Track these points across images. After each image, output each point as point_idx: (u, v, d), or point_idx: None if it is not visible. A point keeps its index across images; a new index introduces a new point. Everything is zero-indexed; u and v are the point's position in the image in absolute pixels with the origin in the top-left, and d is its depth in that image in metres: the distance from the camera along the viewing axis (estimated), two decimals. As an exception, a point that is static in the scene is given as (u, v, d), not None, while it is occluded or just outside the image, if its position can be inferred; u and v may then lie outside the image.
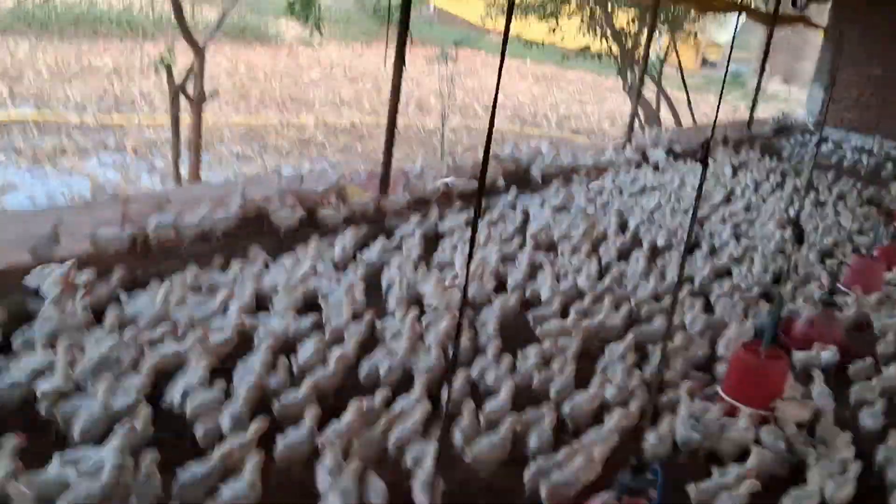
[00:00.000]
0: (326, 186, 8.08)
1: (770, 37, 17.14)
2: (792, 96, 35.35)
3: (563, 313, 6.42)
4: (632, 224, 9.20)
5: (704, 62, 41.28)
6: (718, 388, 5.58)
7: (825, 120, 19.69)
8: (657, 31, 17.61)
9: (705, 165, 3.49)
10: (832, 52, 19.78)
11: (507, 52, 3.10)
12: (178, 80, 10.14)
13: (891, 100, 18.87)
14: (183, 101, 9.95)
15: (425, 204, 8.72)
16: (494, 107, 3.00)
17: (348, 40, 32.03)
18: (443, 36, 31.94)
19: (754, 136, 16.54)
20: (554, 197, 9.68)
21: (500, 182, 9.85)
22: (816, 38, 27.45)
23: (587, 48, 18.93)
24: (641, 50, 17.05)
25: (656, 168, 12.29)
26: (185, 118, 10.55)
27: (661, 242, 8.71)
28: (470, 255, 3.28)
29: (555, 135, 21.24)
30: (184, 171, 10.59)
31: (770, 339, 5.39)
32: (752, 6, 18.53)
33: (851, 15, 19.00)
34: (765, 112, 26.57)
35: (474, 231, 3.27)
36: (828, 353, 6.15)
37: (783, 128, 18.19)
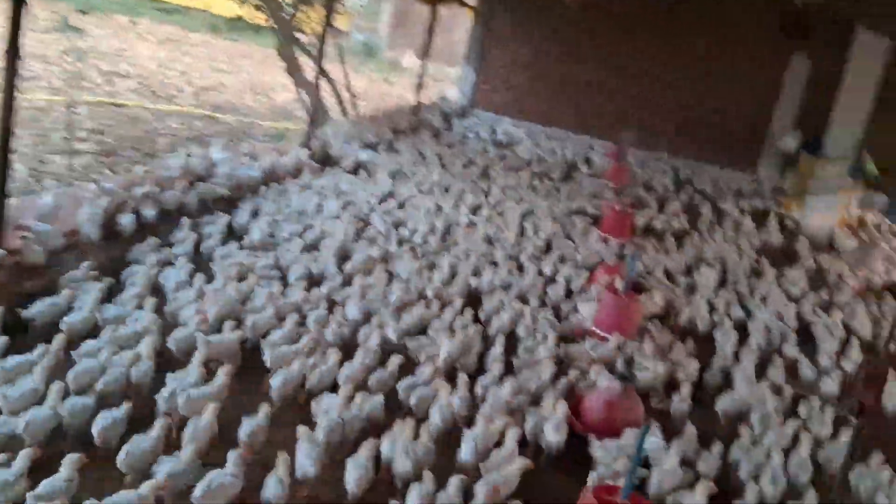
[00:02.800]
0: None
1: (434, 18, 16.30)
2: (430, 73, 35.61)
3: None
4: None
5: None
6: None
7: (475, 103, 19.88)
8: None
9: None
10: (481, 33, 19.63)
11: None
12: None
13: (539, 83, 19.21)
14: None
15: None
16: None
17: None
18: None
19: (422, 121, 15.62)
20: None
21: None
22: (452, 14, 27.68)
23: (240, 18, 16.46)
24: (307, 26, 15.22)
25: (354, 172, 10.66)
26: None
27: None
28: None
29: (195, 112, 18.48)
30: None
31: (631, 486, 4.02)
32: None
33: (500, -5, 19.00)
34: (406, 88, 26.30)
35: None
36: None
37: (444, 112, 17.55)
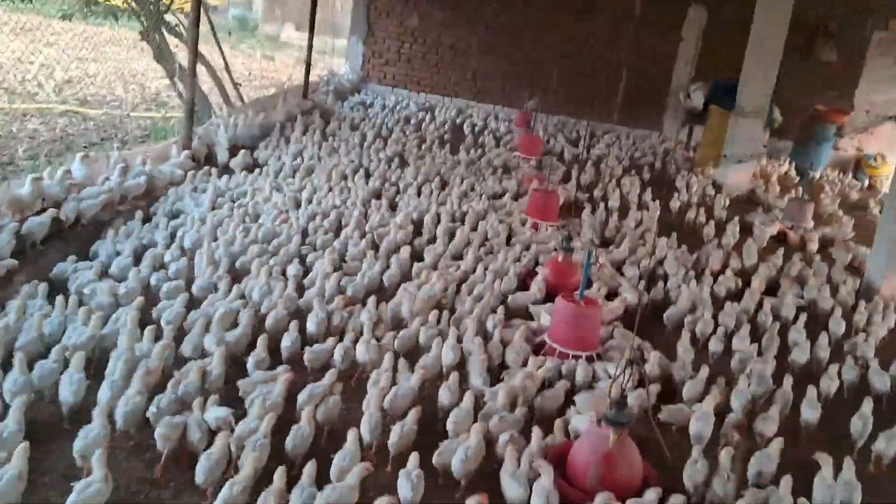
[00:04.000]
0: None
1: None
2: (315, 47, 33.82)
3: None
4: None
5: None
6: None
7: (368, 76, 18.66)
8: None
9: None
10: (365, 1, 18.39)
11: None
12: None
13: (432, 53, 18.18)
14: None
15: None
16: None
17: None
18: None
19: (316, 105, 14.34)
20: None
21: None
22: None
23: (96, 1, 14.66)
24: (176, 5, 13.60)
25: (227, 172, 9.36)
26: None
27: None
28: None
29: (58, 108, 16.61)
30: None
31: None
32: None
33: (383, -40, 17.82)
34: (289, 64, 24.77)
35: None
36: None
37: (336, 89, 16.29)
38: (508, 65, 17.71)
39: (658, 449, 4.61)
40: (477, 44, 17.75)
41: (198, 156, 9.48)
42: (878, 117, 16.38)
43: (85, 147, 11.81)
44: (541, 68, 17.31)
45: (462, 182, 10.22)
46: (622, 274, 7.78)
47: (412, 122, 14.67)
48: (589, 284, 6.51)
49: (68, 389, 4.25)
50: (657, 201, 10.72)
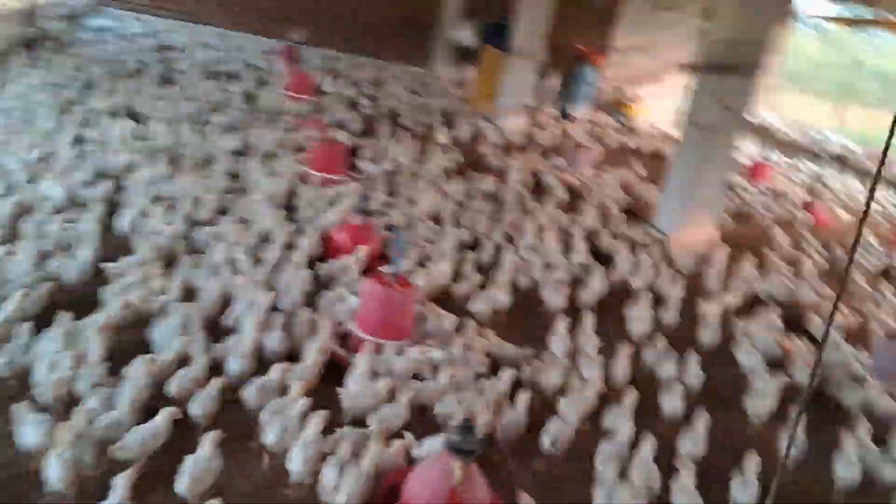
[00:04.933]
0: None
1: None
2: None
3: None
4: None
5: None
6: None
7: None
8: None
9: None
10: None
11: None
12: None
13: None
14: None
15: None
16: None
17: None
18: None
19: (45, 32, 12.13)
20: None
21: None
22: None
23: None
24: None
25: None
26: None
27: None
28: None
29: None
30: None
31: None
32: None
33: None
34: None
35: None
36: None
37: (67, 14, 13.95)
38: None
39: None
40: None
41: None
42: (670, 63, 16.58)
43: None
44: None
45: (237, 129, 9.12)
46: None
47: (163, 52, 12.95)
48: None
49: None
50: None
